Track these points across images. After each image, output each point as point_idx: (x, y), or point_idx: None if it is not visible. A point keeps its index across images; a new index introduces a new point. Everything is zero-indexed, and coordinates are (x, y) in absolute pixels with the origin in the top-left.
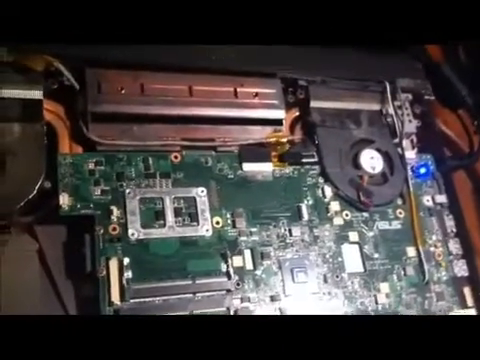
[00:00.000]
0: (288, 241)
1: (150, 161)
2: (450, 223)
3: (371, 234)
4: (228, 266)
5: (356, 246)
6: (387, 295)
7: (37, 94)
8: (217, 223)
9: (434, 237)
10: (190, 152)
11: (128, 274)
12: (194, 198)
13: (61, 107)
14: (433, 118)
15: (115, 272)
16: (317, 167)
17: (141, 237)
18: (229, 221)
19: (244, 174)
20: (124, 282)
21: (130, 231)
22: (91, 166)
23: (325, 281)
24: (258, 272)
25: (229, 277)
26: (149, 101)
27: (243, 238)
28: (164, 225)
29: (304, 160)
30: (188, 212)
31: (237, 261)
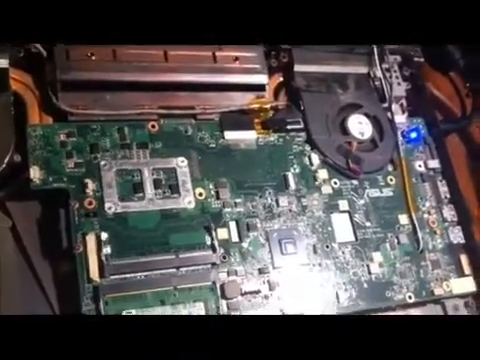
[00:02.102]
0: (275, 211)
1: (126, 131)
2: (444, 189)
3: (361, 202)
4: (212, 239)
5: (346, 215)
6: (380, 264)
7: (2, 63)
8: (200, 194)
9: (427, 204)
10: (168, 121)
11: (107, 250)
12: (174, 169)
13: (29, 76)
14: (423, 81)
15: (93, 248)
16: (303, 134)
17: (119, 211)
18: (212, 192)
19: (226, 143)
20: (103, 258)
21: (107, 205)
22: (63, 137)
23: (315, 252)
24: (244, 244)
25: (214, 250)
26: (122, 67)
27: (227, 209)
28: (143, 198)
29: (289, 127)
30: (168, 184)
31: (222, 233)
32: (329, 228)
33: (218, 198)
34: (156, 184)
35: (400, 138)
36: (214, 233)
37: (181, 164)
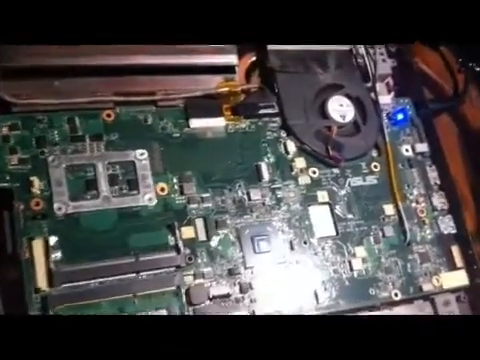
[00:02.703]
0: (247, 206)
1: (77, 121)
2: (433, 174)
3: (343, 192)
4: (177, 239)
5: (326, 207)
6: (364, 260)
7: None
8: (162, 190)
9: (415, 191)
10: (126, 108)
11: (56, 255)
12: (133, 162)
13: None
14: (411, 57)
15: (40, 254)
16: (278, 119)
17: (70, 211)
18: (176, 187)
19: (192, 131)
20: (52, 265)
21: (56, 205)
22: (5, 131)
23: (292, 248)
24: (213, 243)
25: (178, 251)
26: (72, 50)
27: (193, 205)
28: (97, 196)
29: (262, 112)
30: (126, 179)
31: (187, 232)
32: (307, 222)
33: (182, 193)
34: (112, 180)
35: (385, 120)
36: (178, 232)
37: (140, 157)
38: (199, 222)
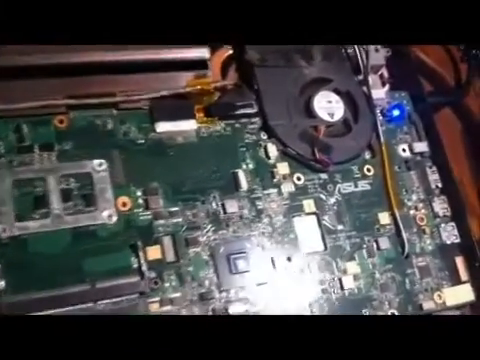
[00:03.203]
0: (222, 220)
1: (25, 129)
2: (434, 177)
3: (332, 201)
4: (140, 261)
5: (313, 218)
6: (356, 277)
7: None
8: (123, 205)
9: (414, 197)
10: (81, 113)
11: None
12: (89, 174)
13: None
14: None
15: None
16: (257, 120)
17: (16, 233)
18: (140, 201)
19: (158, 137)
20: None
21: (0, 227)
22: None
23: (274, 267)
24: (183, 264)
25: (142, 275)
26: (16, 48)
27: (160, 222)
28: (48, 214)
29: (239, 112)
30: (82, 194)
31: (153, 253)
32: (291, 236)
33: (148, 208)
34: (65, 196)
35: (379, 117)
36: (142, 253)
37: (98, 168)
38: (167, 240)
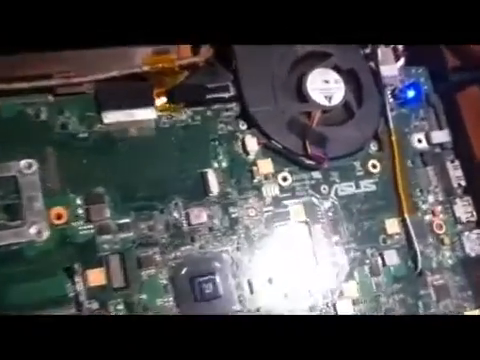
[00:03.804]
0: (185, 232)
1: None
2: (456, 173)
3: (326, 205)
4: (78, 288)
5: (302, 227)
6: (355, 301)
7: None
8: (58, 217)
9: (431, 198)
10: (8, 101)
11: None
12: (15, 179)
13: None
14: None
15: None
16: (234, 106)
17: None
18: (80, 211)
19: (106, 129)
20: None
21: None
22: None
23: (252, 291)
24: (134, 290)
25: (80, 306)
26: None
27: (106, 237)
28: None
29: (212, 96)
30: (5, 204)
31: (95, 277)
32: (274, 251)
33: (90, 220)
34: None
35: (390, 100)
36: (81, 278)
37: (27, 170)
38: (114, 261)
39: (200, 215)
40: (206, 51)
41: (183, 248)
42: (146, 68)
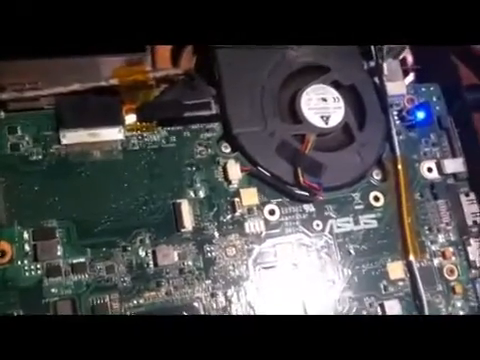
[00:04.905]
0: (151, 276)
1: None
2: (472, 209)
3: (320, 244)
4: None
5: (291, 270)
6: None
7: None
8: (1, 255)
9: (441, 238)
10: None
11: None
12: None
13: None
14: None
15: None
16: (216, 126)
17: None
18: (27, 248)
19: (64, 151)
20: None
21: None
22: None
23: None
24: None
25: None
26: None
27: (55, 279)
28: None
29: (190, 114)
30: None
31: None
32: (257, 298)
33: (37, 259)
34: None
35: (397, 122)
36: None
37: None
38: (64, 308)
39: (169, 254)
40: (186, 62)
41: (147, 294)
42: (114, 81)
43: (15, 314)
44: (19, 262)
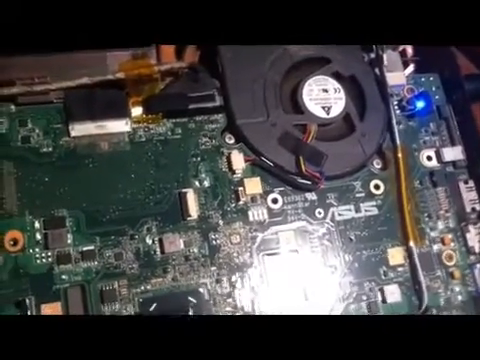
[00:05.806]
0: (158, 262)
1: None
2: (470, 196)
3: (321, 231)
4: None
5: (294, 256)
6: None
7: None
8: (13, 243)
9: (440, 225)
10: None
11: None
12: None
13: None
14: None
15: None
16: (220, 117)
17: None
18: (38, 236)
19: (73, 143)
20: None
21: None
22: None
23: None
24: None
25: None
26: None
27: (65, 267)
28: None
29: (194, 106)
30: None
31: (51, 313)
32: (261, 284)
33: (48, 247)
34: None
35: (397, 111)
36: (35, 314)
37: None
38: (74, 294)
39: (175, 242)
40: (190, 55)
41: (154, 280)
42: (121, 75)
43: (27, 300)
44: (31, 250)
